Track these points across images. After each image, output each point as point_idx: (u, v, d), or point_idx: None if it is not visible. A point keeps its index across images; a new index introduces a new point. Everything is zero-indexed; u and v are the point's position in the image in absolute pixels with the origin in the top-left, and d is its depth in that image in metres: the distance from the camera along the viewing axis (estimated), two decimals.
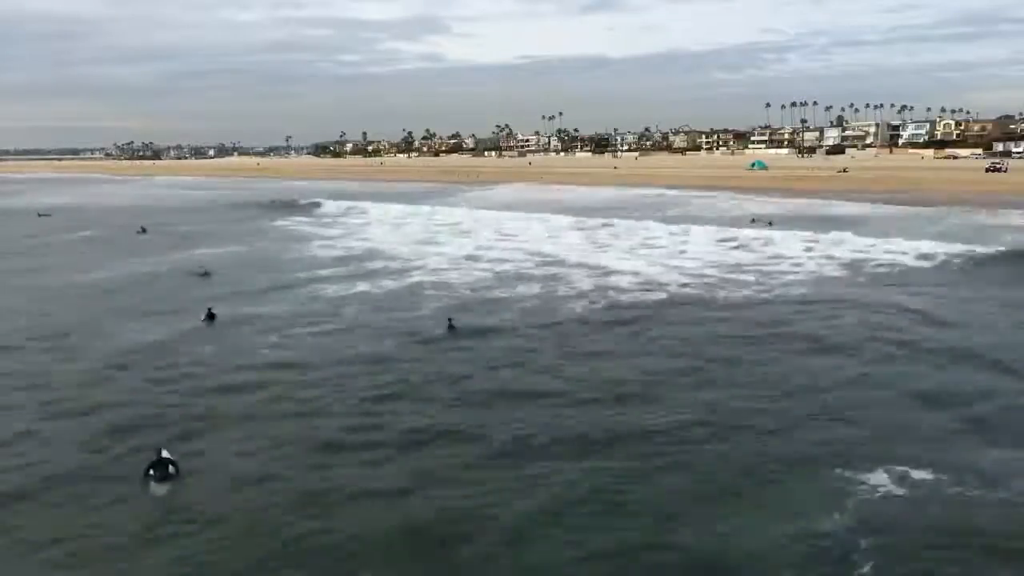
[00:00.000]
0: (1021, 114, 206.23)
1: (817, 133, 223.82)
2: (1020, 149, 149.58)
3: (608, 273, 35.48)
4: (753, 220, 55.16)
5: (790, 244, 43.23)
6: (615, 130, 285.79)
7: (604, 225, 54.82)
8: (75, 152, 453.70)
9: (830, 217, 55.89)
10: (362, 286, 33.23)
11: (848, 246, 41.78)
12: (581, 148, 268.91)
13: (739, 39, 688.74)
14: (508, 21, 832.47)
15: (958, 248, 38.49)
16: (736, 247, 43.59)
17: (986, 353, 21.18)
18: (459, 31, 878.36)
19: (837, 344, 22.63)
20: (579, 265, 38.04)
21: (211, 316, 26.64)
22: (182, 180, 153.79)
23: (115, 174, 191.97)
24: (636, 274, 35.09)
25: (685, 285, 32.51)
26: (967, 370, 20.02)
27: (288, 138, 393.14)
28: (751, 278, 33.70)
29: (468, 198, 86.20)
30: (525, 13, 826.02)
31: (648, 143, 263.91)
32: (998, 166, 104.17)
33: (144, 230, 56.99)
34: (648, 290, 31.64)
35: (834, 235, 45.01)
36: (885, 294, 29.77)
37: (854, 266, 36.40)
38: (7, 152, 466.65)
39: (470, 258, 41.54)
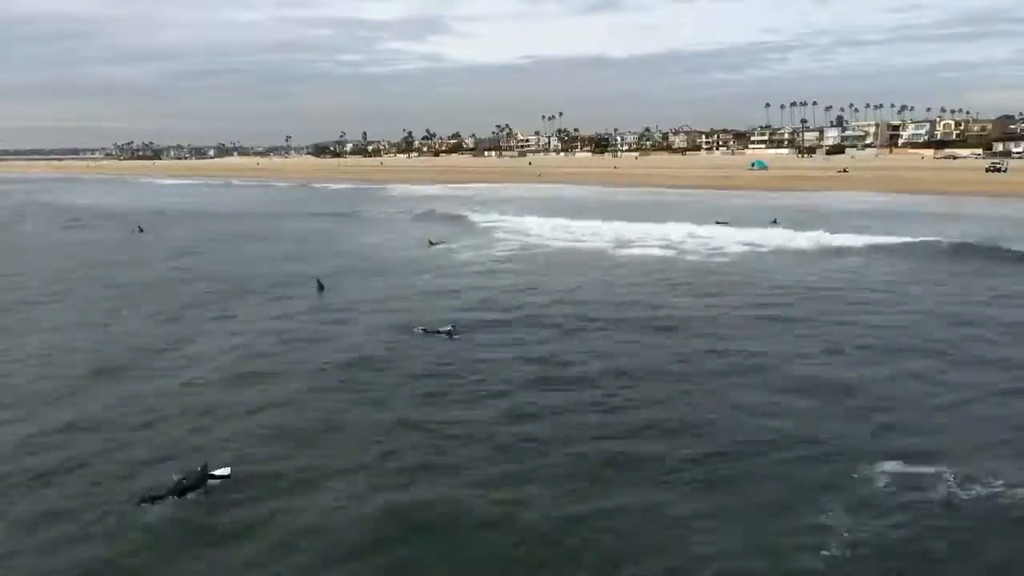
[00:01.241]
0: (1021, 114, 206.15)
1: (817, 133, 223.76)
2: (1020, 149, 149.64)
3: None
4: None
5: None
6: (615, 130, 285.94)
7: None
8: (75, 152, 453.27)
9: None
10: None
11: None
12: (581, 148, 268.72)
13: (740, 39, 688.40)
14: (510, 21, 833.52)
15: None
16: None
17: None
18: (461, 31, 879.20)
19: None
20: None
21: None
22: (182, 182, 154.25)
23: (120, 173, 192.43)
24: None
25: None
26: None
27: (288, 138, 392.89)
28: None
29: None
30: (527, 13, 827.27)
31: (648, 143, 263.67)
32: (998, 166, 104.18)
33: (141, 229, 58.97)
34: None
35: None
36: None
37: None
38: (7, 152, 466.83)
39: None
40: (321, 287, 32.95)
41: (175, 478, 13.95)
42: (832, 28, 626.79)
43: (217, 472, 14.11)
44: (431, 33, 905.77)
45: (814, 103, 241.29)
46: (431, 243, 47.05)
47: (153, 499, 13.43)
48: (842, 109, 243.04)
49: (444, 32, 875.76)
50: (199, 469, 14.10)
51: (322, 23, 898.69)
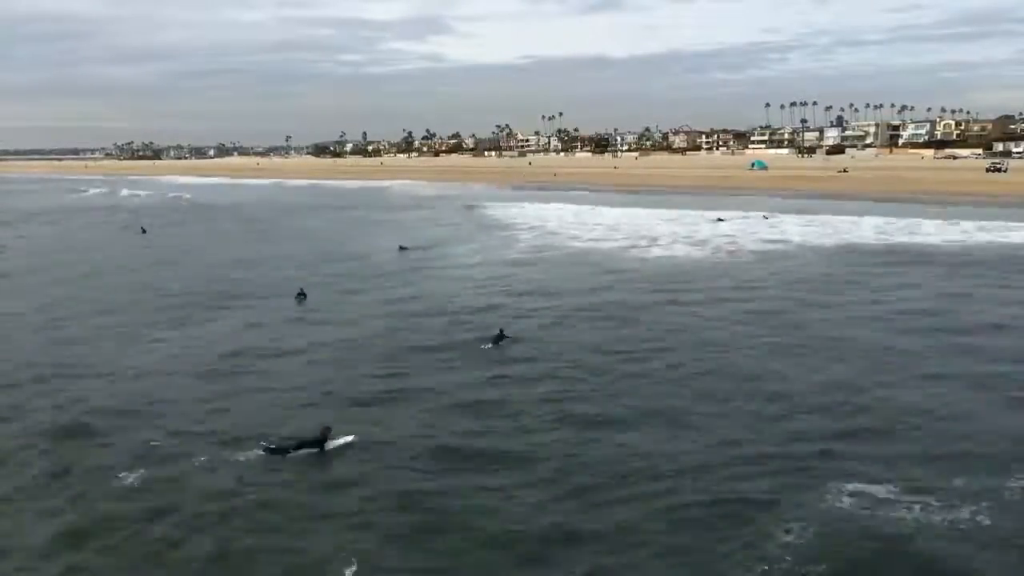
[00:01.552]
0: (1021, 114, 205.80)
1: (817, 133, 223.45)
2: (1020, 149, 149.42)
3: None
4: None
5: None
6: (615, 130, 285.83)
7: None
8: (75, 152, 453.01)
9: None
10: None
11: None
12: (581, 148, 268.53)
13: (740, 39, 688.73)
14: (511, 21, 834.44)
15: None
16: None
17: None
18: (461, 31, 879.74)
19: None
20: None
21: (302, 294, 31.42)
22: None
23: (121, 173, 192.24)
24: None
25: None
26: None
27: (288, 138, 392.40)
28: None
29: None
30: (528, 13, 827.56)
31: (648, 143, 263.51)
32: (998, 166, 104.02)
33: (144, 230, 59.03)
34: None
35: None
36: None
37: None
38: (7, 152, 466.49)
39: None
40: (303, 296, 31.19)
41: (297, 437, 15.71)
42: (832, 28, 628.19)
43: (340, 440, 15.68)
44: (432, 33, 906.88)
45: (814, 103, 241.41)
46: (401, 248, 45.25)
47: (273, 450, 15.37)
48: (842, 109, 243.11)
49: (445, 32, 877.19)
50: (320, 433, 15.61)
51: (323, 23, 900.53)
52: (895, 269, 35.68)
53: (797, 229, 50.94)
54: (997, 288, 31.04)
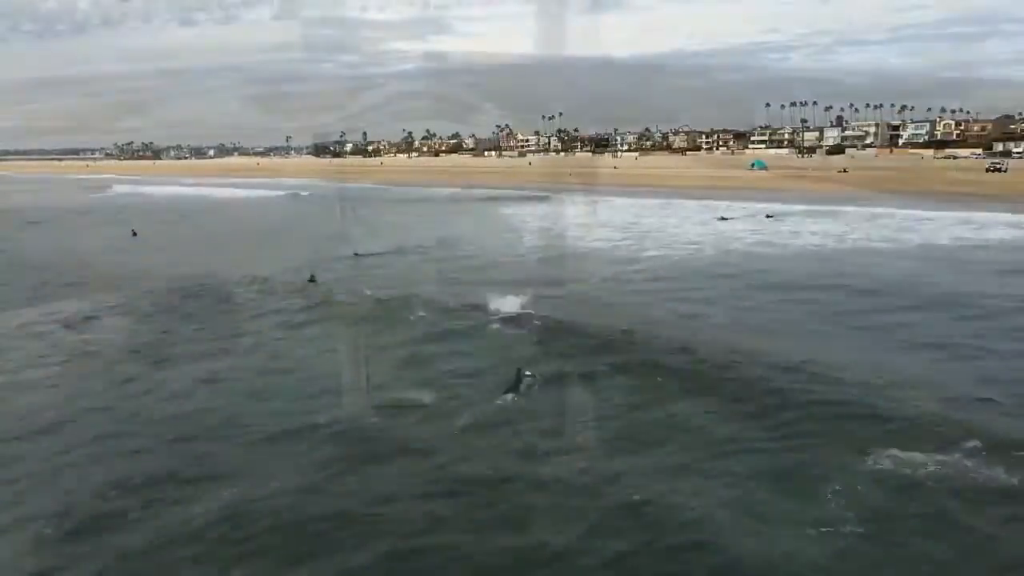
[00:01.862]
0: (1021, 114, 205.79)
1: (817, 133, 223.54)
2: (1020, 149, 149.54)
3: None
4: None
5: None
6: (615, 130, 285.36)
7: None
8: (75, 152, 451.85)
9: None
10: None
11: None
12: (581, 148, 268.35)
13: (741, 39, 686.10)
14: (511, 21, 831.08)
15: None
16: None
17: None
18: (461, 31, 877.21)
19: None
20: None
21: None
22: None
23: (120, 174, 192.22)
24: None
25: None
26: None
27: (288, 138, 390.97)
28: None
29: None
30: (527, 13, 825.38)
31: (648, 143, 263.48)
32: (998, 166, 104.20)
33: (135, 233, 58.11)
34: None
35: None
36: None
37: None
38: (7, 152, 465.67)
39: None
40: (312, 280, 33.25)
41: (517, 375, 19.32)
42: (833, 28, 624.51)
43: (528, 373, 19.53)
44: (432, 33, 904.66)
45: (814, 103, 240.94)
46: (312, 279, 34.31)
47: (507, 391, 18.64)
48: (842, 109, 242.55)
49: (445, 32, 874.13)
50: (517, 371, 19.31)
51: (323, 23, 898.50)
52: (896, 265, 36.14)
53: (800, 228, 51.59)
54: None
